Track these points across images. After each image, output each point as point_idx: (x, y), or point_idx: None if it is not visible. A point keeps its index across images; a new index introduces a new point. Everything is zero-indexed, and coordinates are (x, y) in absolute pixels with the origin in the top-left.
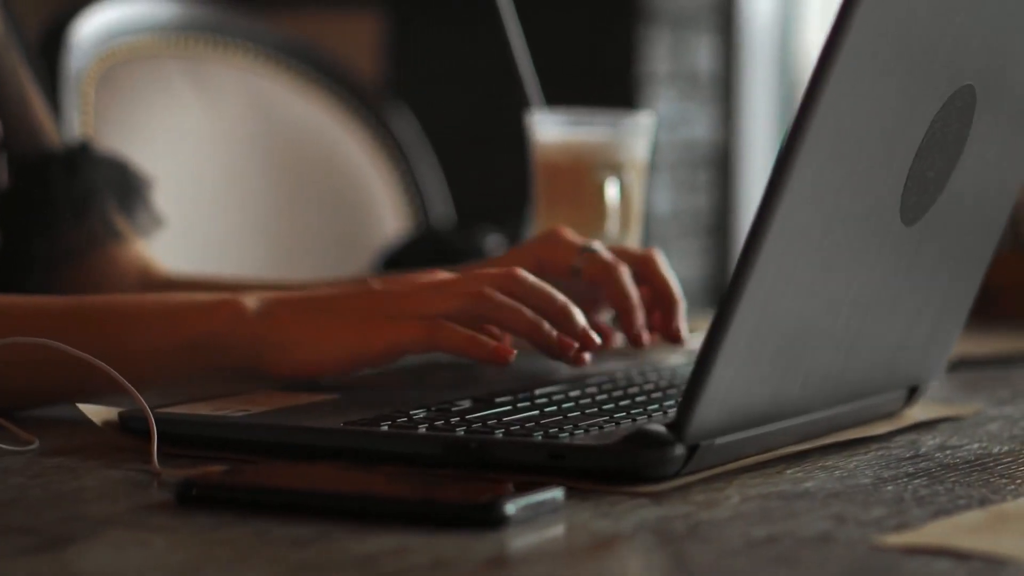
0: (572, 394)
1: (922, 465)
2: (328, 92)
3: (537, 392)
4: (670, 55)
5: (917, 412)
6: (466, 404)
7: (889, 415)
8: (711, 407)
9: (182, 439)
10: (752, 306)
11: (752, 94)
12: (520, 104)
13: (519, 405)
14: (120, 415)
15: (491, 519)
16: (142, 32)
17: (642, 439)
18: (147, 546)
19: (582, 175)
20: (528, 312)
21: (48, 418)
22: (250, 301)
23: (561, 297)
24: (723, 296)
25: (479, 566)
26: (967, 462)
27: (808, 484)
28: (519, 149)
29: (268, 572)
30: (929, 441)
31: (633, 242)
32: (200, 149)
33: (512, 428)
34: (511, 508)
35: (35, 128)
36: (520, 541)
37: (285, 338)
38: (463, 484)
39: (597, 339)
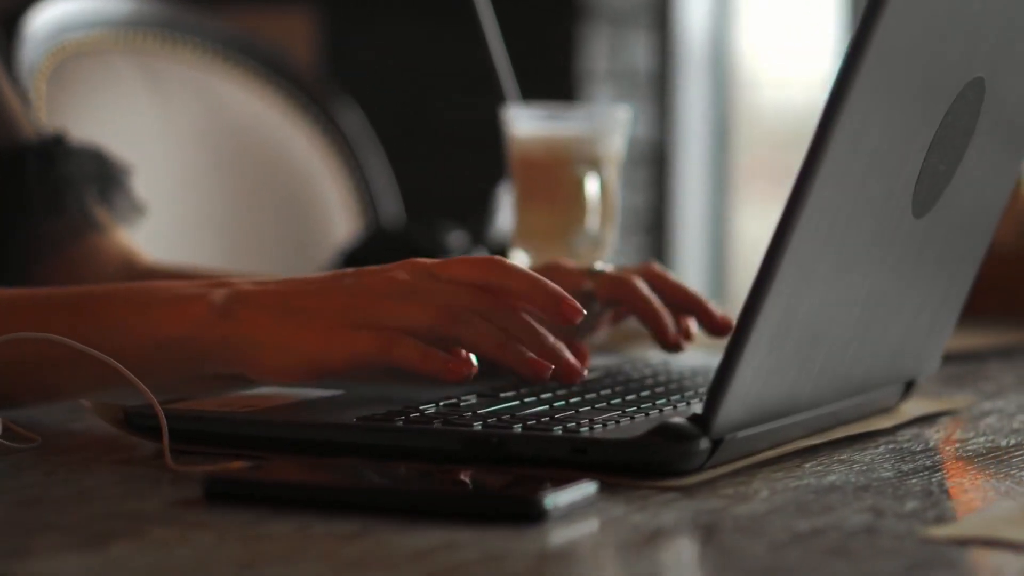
0: (575, 389)
1: (937, 459)
2: (276, 88)
3: (540, 387)
4: (609, 53)
5: (913, 406)
6: (472, 399)
7: (886, 409)
8: (735, 402)
9: (190, 435)
10: (777, 303)
11: (687, 92)
12: (459, 100)
13: (526, 400)
14: (125, 411)
15: (533, 513)
16: (93, 27)
17: (668, 433)
18: (193, 543)
19: (560, 170)
20: (498, 334)
21: (27, 414)
22: (218, 297)
23: (538, 323)
24: (750, 292)
25: (533, 561)
26: (980, 455)
27: (831, 478)
28: (459, 143)
29: (320, 568)
30: (934, 435)
31: (612, 238)
32: (151, 146)
33: (529, 423)
34: (551, 502)
35: (9, 120)
36: (564, 536)
37: (248, 340)
38: (497, 478)
39: (577, 367)
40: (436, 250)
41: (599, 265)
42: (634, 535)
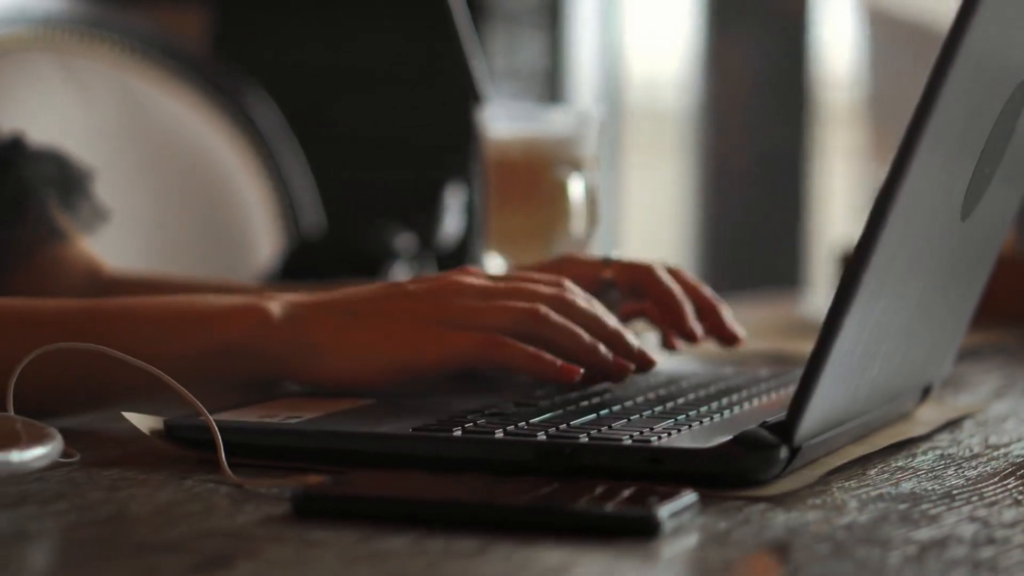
0: (606, 397)
1: (993, 464)
2: (194, 87)
3: (573, 395)
4: (504, 52)
5: (931, 411)
6: (512, 407)
7: (906, 414)
8: (814, 411)
9: (239, 447)
10: (856, 315)
11: (578, 91)
12: (363, 98)
13: (568, 408)
14: (166, 423)
15: (650, 528)
16: (12, 25)
17: (749, 442)
18: (316, 563)
19: (541, 172)
20: (585, 336)
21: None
22: (274, 306)
23: (613, 319)
24: (833, 303)
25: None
26: None
27: (907, 486)
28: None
29: None
30: (972, 439)
31: (597, 241)
32: (70, 145)
33: (594, 432)
34: (665, 516)
35: None
36: (685, 551)
37: (315, 345)
38: (604, 492)
39: (655, 357)
40: (384, 253)
41: (614, 254)
42: (755, 548)
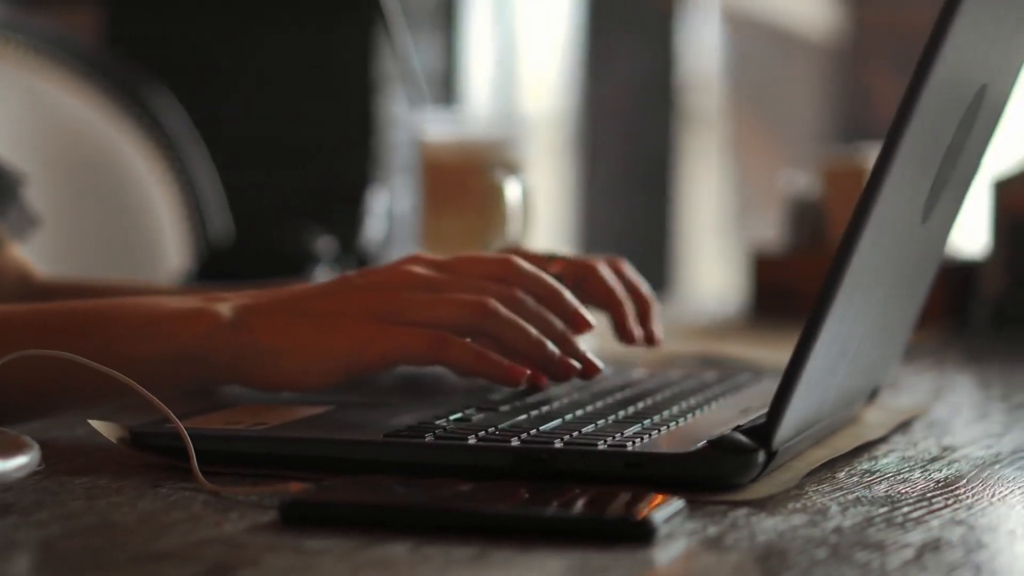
0: (567, 402)
1: (956, 467)
2: (98, 88)
3: (529, 400)
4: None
5: (879, 414)
6: (475, 412)
7: (854, 418)
8: (791, 416)
9: (208, 455)
10: (833, 320)
11: (473, 93)
12: (253, 101)
13: (532, 413)
14: (132, 431)
15: (645, 534)
16: None
17: (727, 446)
18: (320, 569)
19: (475, 175)
20: (533, 332)
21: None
22: (224, 309)
23: (559, 321)
24: (813, 310)
25: None
26: (997, 457)
27: (880, 488)
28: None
29: None
30: (927, 441)
31: (533, 245)
32: None
33: (567, 437)
34: (659, 521)
35: None
36: (685, 556)
37: (265, 349)
38: (586, 498)
39: (600, 364)
40: (304, 256)
41: (560, 251)
42: (751, 553)
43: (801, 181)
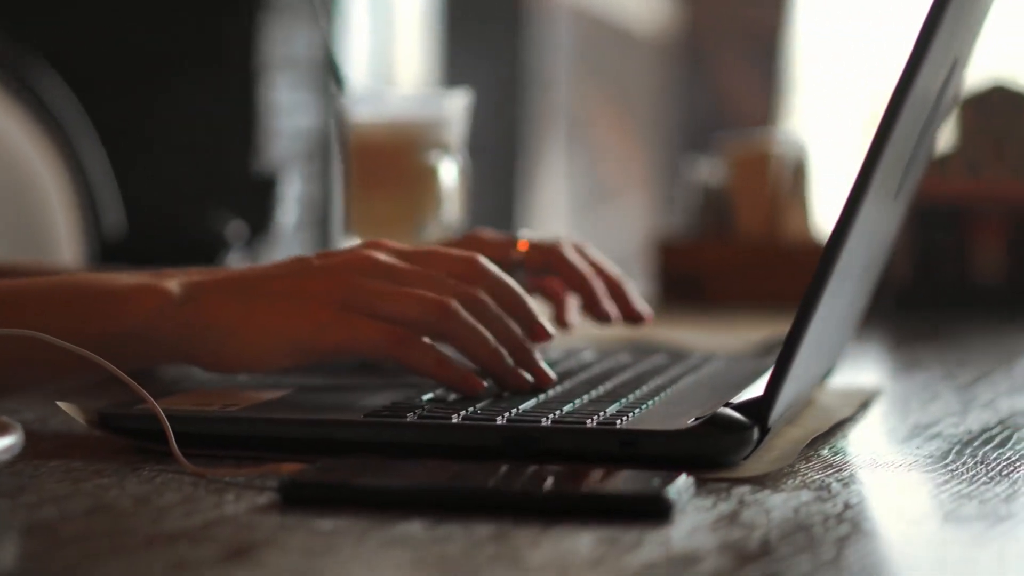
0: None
1: (936, 443)
2: None
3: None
4: (282, 42)
5: (834, 395)
6: (445, 394)
7: (810, 400)
8: (784, 394)
9: (183, 437)
10: (824, 302)
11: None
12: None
13: (505, 394)
14: (101, 413)
15: (664, 510)
16: None
17: (722, 423)
18: (345, 548)
19: (407, 156)
20: (491, 339)
21: None
22: (172, 285)
23: (519, 330)
24: (809, 290)
25: (729, 561)
26: (970, 434)
27: (871, 464)
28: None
29: (515, 572)
30: (894, 420)
31: (463, 228)
32: None
33: (553, 416)
34: (675, 496)
35: None
36: (708, 532)
37: (217, 328)
38: (603, 475)
39: (552, 375)
40: (213, 240)
41: (524, 232)
42: (777, 529)
43: (705, 168)
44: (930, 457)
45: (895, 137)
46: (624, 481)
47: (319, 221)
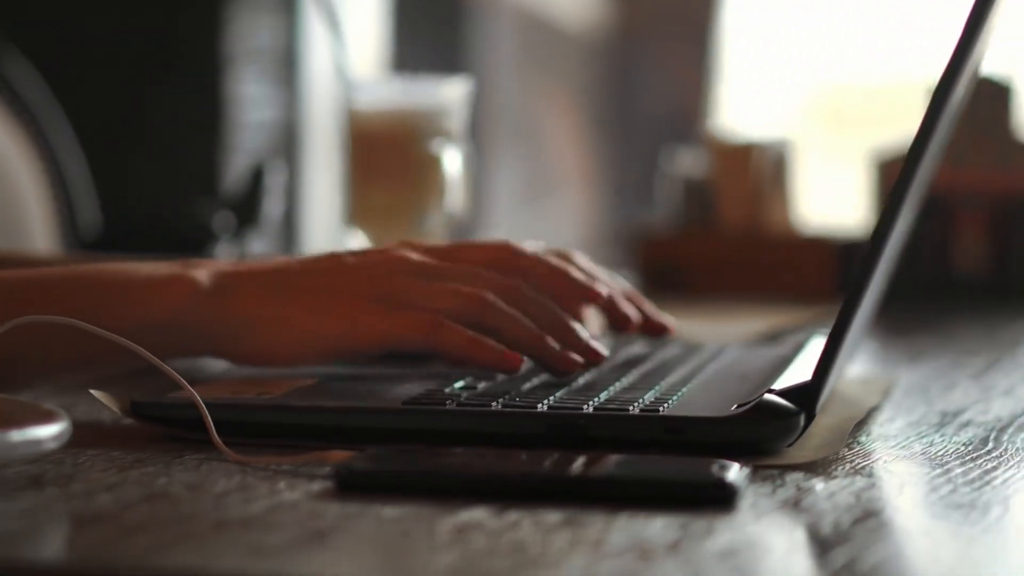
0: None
1: (971, 430)
2: None
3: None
4: (245, 34)
5: (854, 384)
6: (472, 382)
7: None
8: (829, 380)
9: (218, 425)
10: (871, 287)
11: (315, 74)
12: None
13: (534, 380)
14: (135, 402)
15: (730, 496)
16: None
17: (772, 410)
18: (407, 537)
19: (410, 145)
20: (532, 326)
21: None
22: (201, 275)
23: (562, 312)
24: (855, 279)
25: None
26: (1003, 421)
27: (915, 451)
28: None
29: (587, 558)
30: (920, 409)
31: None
32: None
33: (596, 403)
34: (739, 483)
35: None
36: (778, 518)
37: (248, 320)
38: (659, 462)
39: (603, 351)
40: (201, 233)
41: (527, 244)
42: (846, 515)
43: (688, 159)
44: (968, 444)
45: (936, 134)
46: (683, 468)
47: (285, 214)
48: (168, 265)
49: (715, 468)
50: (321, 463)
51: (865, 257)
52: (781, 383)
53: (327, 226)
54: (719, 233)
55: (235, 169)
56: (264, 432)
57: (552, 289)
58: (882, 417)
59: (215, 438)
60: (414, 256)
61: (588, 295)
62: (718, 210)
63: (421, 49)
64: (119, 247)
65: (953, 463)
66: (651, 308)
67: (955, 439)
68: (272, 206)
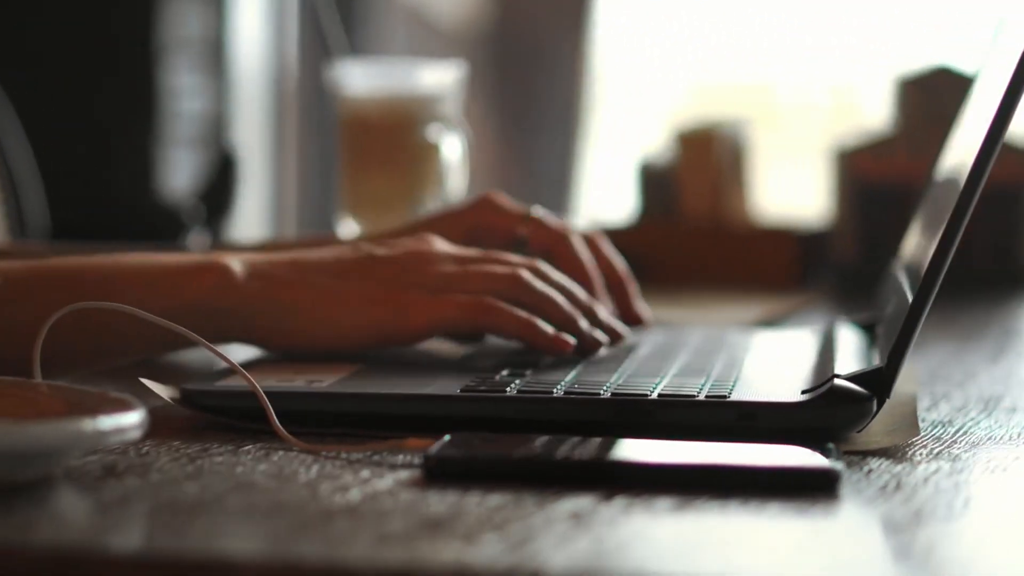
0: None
1: (992, 420)
2: None
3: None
4: (175, 23)
5: None
6: (516, 369)
7: None
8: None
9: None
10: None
11: (244, 63)
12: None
13: (578, 368)
14: (185, 390)
15: (832, 482)
16: None
17: (845, 396)
18: (522, 520)
19: (407, 132)
20: (566, 305)
21: None
22: (234, 263)
23: (584, 292)
24: (927, 270)
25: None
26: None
27: (979, 436)
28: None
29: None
30: (960, 394)
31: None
32: None
33: (661, 389)
34: (841, 469)
35: None
36: (880, 502)
37: (292, 304)
38: (759, 450)
39: (624, 331)
40: (172, 221)
41: (538, 210)
42: (962, 497)
43: (652, 149)
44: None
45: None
46: (786, 455)
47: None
48: (196, 255)
49: (818, 455)
50: (395, 451)
51: (941, 243)
52: (843, 369)
53: (259, 216)
54: (680, 223)
55: (170, 160)
56: (322, 421)
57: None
58: (923, 404)
59: (279, 428)
60: (439, 246)
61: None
62: (682, 199)
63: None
64: (68, 238)
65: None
66: (635, 297)
67: (1011, 424)
68: (236, 196)
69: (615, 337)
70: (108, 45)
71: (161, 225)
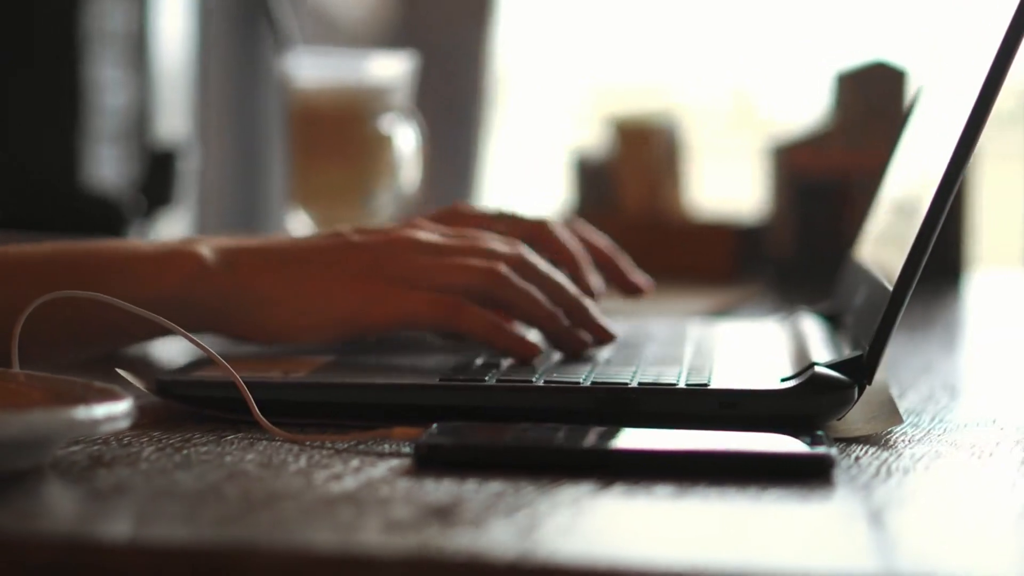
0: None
1: (965, 408)
2: None
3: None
4: (98, 15)
5: None
6: (494, 359)
7: None
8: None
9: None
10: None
11: (167, 56)
12: None
13: (555, 358)
14: (161, 380)
15: (826, 468)
16: None
17: (826, 383)
18: (530, 506)
19: (358, 123)
20: (546, 302)
21: None
22: (205, 251)
23: (573, 287)
24: (910, 256)
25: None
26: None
27: (959, 426)
28: None
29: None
30: (929, 381)
31: (421, 195)
32: None
33: (638, 378)
34: (835, 455)
35: None
36: (873, 487)
37: (257, 296)
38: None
39: (614, 332)
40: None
41: (507, 209)
42: (945, 484)
43: (586, 141)
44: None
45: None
46: (778, 442)
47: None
48: (168, 243)
49: (810, 441)
50: (380, 440)
51: (921, 231)
52: (817, 357)
53: (182, 211)
54: (618, 217)
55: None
56: (300, 411)
57: (566, 261)
58: (892, 392)
59: (260, 418)
60: (421, 234)
61: (588, 285)
62: (619, 191)
63: (225, 44)
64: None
65: (1010, 430)
66: (628, 268)
67: (983, 409)
68: (179, 188)
69: (604, 337)
70: (33, 38)
71: (97, 218)
